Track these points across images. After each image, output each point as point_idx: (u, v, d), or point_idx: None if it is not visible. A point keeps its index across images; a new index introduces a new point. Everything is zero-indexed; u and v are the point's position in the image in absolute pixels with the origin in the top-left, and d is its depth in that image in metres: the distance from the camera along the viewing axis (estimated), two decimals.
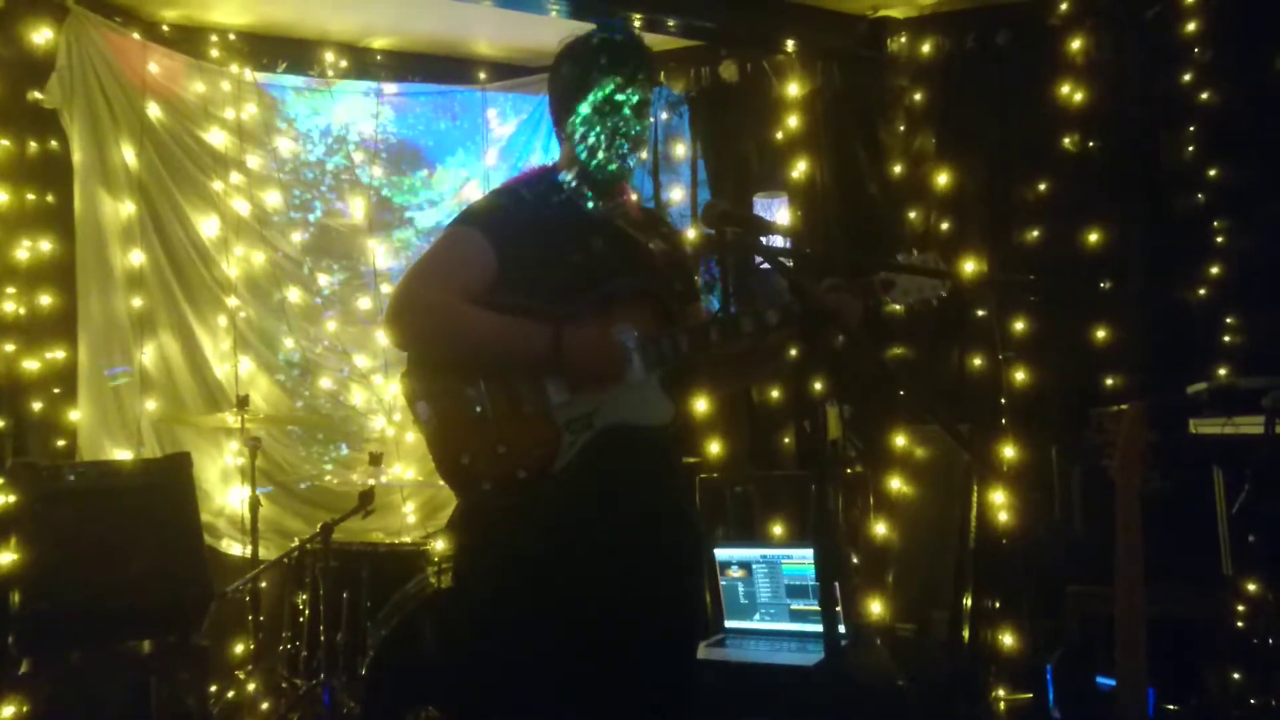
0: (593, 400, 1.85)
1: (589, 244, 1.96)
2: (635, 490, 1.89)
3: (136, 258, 4.13)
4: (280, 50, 4.46)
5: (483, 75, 4.76)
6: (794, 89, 4.45)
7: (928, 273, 2.00)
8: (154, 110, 4.20)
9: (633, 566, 1.87)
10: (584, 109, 1.96)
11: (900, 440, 3.98)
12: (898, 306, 2.05)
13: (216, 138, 4.32)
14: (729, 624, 3.05)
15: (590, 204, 2.00)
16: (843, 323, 1.84)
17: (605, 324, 1.87)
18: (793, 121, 4.44)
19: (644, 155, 2.04)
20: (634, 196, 2.08)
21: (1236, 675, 3.01)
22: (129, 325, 4.10)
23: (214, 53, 4.33)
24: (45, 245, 3.85)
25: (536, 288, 1.89)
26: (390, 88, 4.64)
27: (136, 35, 4.16)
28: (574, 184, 2.00)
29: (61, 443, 3.84)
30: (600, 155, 1.96)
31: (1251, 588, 3.00)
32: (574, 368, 1.83)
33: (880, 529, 3.87)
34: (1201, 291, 3.84)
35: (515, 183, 2.05)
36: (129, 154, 4.13)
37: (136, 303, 4.12)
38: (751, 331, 1.90)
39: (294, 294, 4.46)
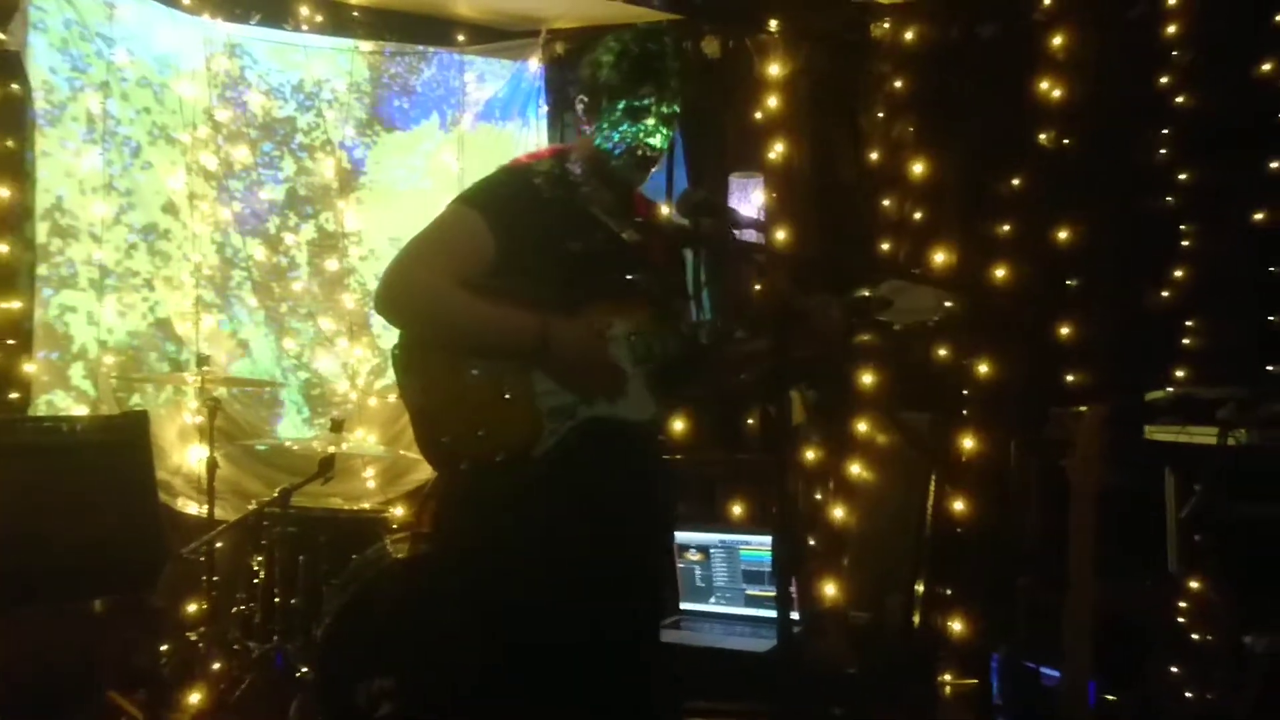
0: None
1: (589, 237, 1.96)
2: (610, 482, 1.92)
3: (99, 209, 4.04)
4: (253, 2, 4.34)
5: (461, 37, 4.68)
6: (775, 69, 4.42)
7: (930, 288, 1.92)
8: (121, 56, 4.09)
9: (598, 555, 1.90)
10: (619, 109, 1.94)
11: (863, 426, 4.01)
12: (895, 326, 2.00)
13: (185, 89, 4.22)
14: (684, 606, 3.08)
15: (597, 199, 2.00)
16: (819, 332, 1.87)
17: (596, 319, 1.90)
18: (773, 102, 4.41)
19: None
20: (642, 196, 2.08)
21: (1175, 669, 3.08)
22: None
23: (185, 0, 4.21)
24: (2, 192, 3.75)
25: (532, 276, 1.90)
26: (366, 45, 4.55)
27: None
28: (586, 176, 2.00)
29: (15, 395, 3.77)
30: (623, 158, 1.96)
31: (1196, 586, 3.09)
32: (560, 364, 1.85)
33: (840, 514, 3.91)
34: (1165, 293, 3.89)
35: (526, 164, 2.03)
36: (94, 101, 4.03)
37: (98, 255, 4.04)
38: (741, 337, 1.93)
39: (260, 252, 4.39)
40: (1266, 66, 3.72)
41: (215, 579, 3.60)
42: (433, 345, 1.91)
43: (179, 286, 4.23)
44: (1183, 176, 3.90)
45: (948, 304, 1.94)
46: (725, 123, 4.58)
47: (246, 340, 4.36)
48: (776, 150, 4.39)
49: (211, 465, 3.62)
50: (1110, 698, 2.92)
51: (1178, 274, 3.88)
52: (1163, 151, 3.95)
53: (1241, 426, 2.74)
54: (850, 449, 3.99)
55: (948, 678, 3.80)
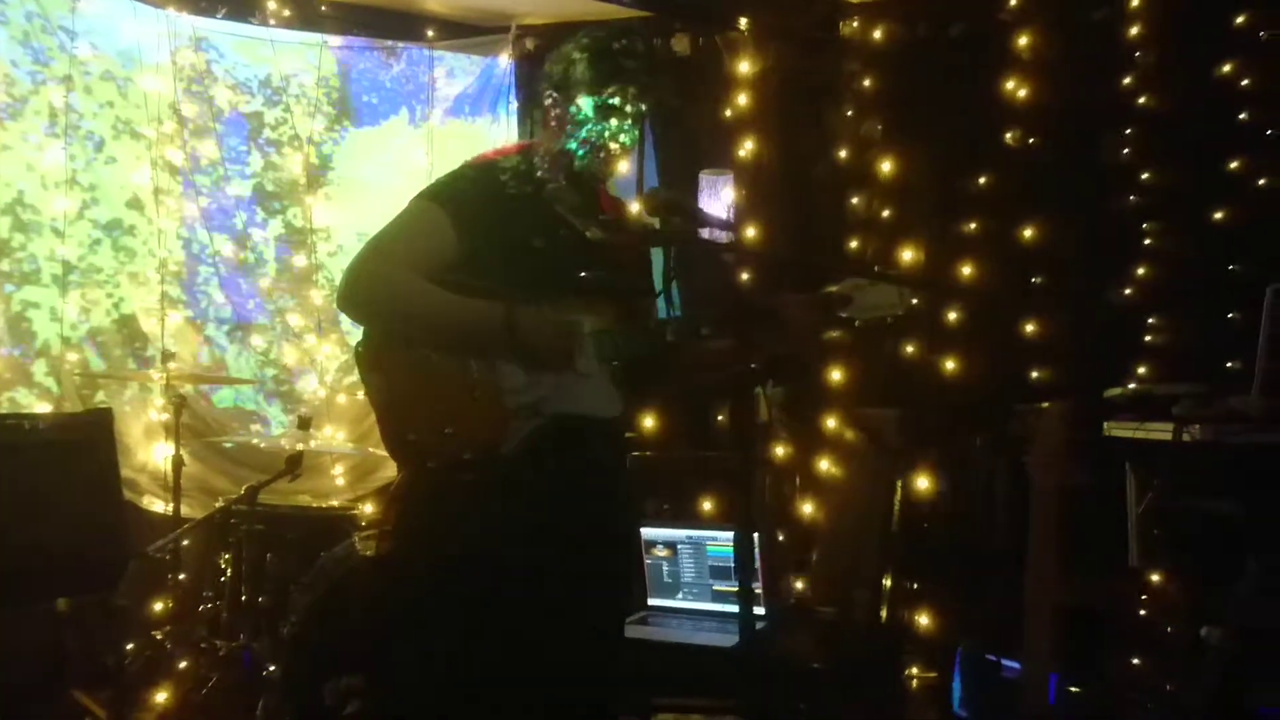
0: (543, 388, 1.88)
1: (555, 234, 1.96)
2: (575, 480, 1.92)
3: (62, 204, 3.99)
4: None
5: (431, 33, 4.65)
6: (745, 67, 4.43)
7: (892, 285, 1.94)
8: (84, 50, 4.04)
9: (563, 553, 1.91)
10: (588, 106, 1.95)
11: (831, 422, 4.05)
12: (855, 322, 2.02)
13: (149, 83, 4.17)
14: (651, 602, 3.10)
15: (562, 196, 1.99)
16: (789, 334, 1.88)
17: (561, 313, 1.89)
18: (742, 99, 4.42)
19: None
20: (608, 193, 2.08)
21: (1137, 661, 3.14)
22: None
23: None
24: None
25: (495, 273, 1.90)
26: (334, 40, 4.52)
27: None
28: (552, 173, 1.99)
29: None
30: (589, 155, 1.96)
31: (1156, 579, 3.14)
32: (524, 348, 1.85)
33: (807, 510, 3.94)
34: (1128, 291, 3.94)
35: (491, 160, 2.03)
36: (56, 95, 3.98)
37: (61, 250, 3.98)
38: (707, 334, 1.94)
39: (227, 248, 4.35)
40: (1227, 68, 3.78)
41: (182, 577, 3.58)
42: (397, 340, 1.90)
43: (144, 283, 4.18)
44: (1145, 176, 3.95)
45: (914, 301, 1.97)
46: (695, 120, 4.58)
47: (211, 337, 4.32)
48: (746, 148, 4.41)
49: (177, 462, 3.58)
50: (1072, 690, 2.97)
51: (1140, 272, 3.93)
52: (1126, 151, 4.00)
53: (1195, 422, 2.79)
54: (818, 444, 4.02)
55: (914, 672, 3.85)
